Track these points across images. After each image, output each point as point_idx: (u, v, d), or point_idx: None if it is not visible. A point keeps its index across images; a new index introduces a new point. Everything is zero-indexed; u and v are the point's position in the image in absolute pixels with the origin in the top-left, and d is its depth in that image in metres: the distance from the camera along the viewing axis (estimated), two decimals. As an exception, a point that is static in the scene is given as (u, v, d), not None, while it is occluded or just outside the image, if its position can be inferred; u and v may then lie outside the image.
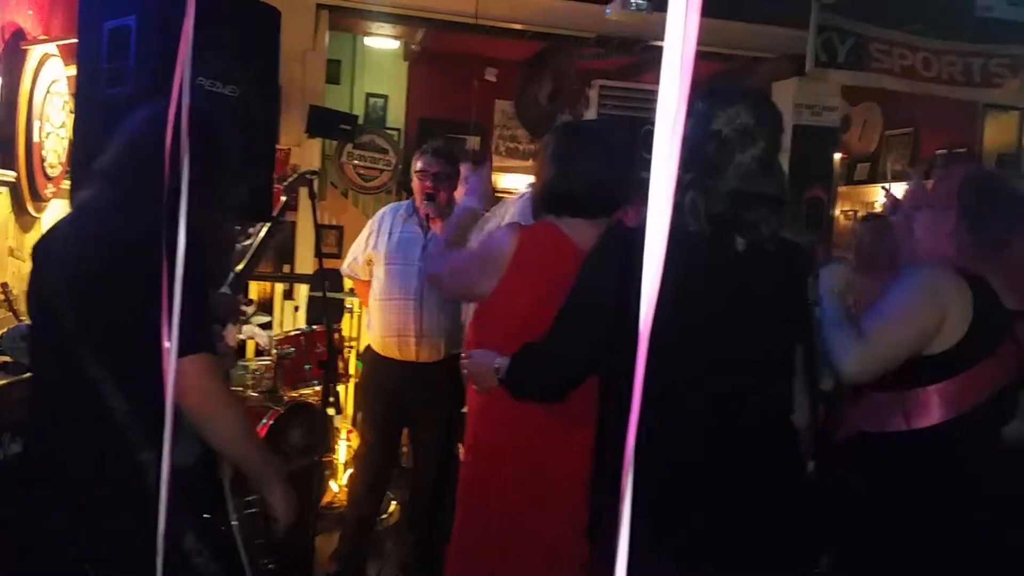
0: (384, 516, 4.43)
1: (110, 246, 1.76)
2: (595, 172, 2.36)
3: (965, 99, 6.08)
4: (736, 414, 1.85)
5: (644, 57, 7.51)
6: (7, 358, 2.19)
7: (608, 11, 5.75)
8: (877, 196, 7.56)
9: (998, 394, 2.11)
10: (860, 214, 7.72)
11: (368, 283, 3.94)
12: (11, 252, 3.56)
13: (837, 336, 2.07)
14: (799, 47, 5.99)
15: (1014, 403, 2.18)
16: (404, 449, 4.48)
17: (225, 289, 3.28)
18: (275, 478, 1.94)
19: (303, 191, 3.51)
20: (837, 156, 7.49)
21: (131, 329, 1.67)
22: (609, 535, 1.71)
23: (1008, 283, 2.11)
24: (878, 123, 7.85)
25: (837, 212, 7.80)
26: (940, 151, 7.11)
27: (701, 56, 5.88)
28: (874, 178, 7.81)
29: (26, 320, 3.05)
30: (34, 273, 1.95)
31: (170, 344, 0.95)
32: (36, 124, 3.62)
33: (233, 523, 2.41)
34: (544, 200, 2.40)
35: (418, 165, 3.82)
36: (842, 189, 7.82)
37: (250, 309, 4.56)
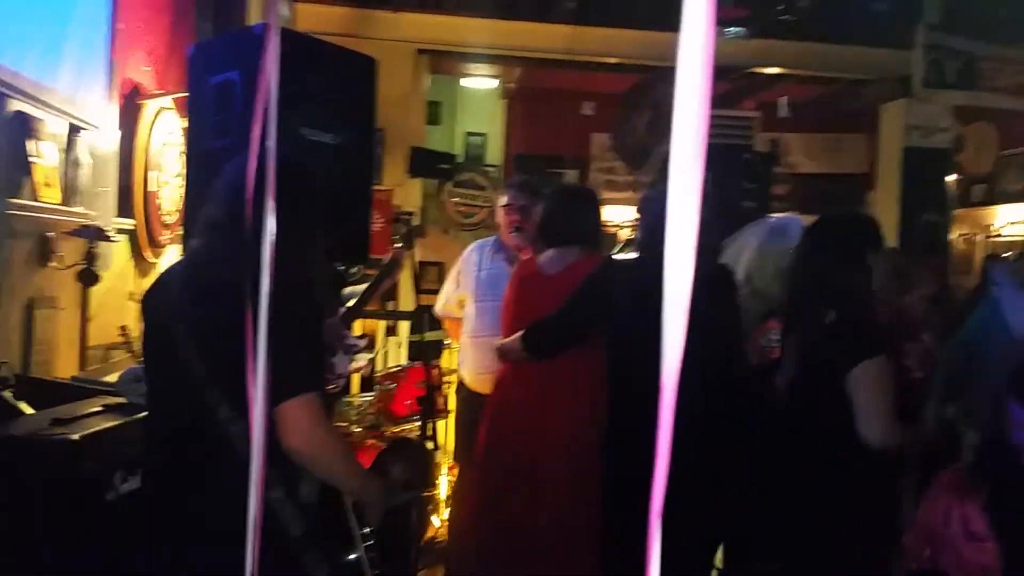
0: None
1: (231, 293, 1.81)
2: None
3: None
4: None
5: (742, 84, 7.41)
6: (122, 399, 2.29)
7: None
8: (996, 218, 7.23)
9: None
10: (978, 237, 7.39)
11: (460, 321, 3.97)
12: (131, 296, 3.74)
13: None
14: (906, 68, 5.81)
15: None
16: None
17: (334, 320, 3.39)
18: (377, 505, 2.03)
19: (403, 231, 3.61)
20: (951, 178, 7.21)
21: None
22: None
23: None
24: (993, 143, 7.51)
25: (954, 236, 7.48)
26: (1062, 170, 6.76)
27: (801, 80, 5.79)
28: (991, 200, 7.46)
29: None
30: (148, 320, 2.04)
31: (256, 388, 0.97)
32: (153, 174, 3.82)
33: (361, 555, 2.45)
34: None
35: (503, 200, 3.85)
36: (958, 212, 7.50)
37: (363, 342, 4.68)
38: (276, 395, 1.74)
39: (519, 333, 2.97)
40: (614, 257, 3.09)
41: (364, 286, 3.77)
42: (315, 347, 1.93)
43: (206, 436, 1.78)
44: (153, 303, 2.01)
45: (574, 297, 2.88)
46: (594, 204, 3.23)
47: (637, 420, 2.54)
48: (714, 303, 2.58)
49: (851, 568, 2.43)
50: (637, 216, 2.87)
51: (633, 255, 3.02)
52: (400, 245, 3.66)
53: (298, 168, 1.96)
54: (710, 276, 2.59)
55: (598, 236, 3.21)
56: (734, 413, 2.61)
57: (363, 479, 2.05)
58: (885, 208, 6.98)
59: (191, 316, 1.83)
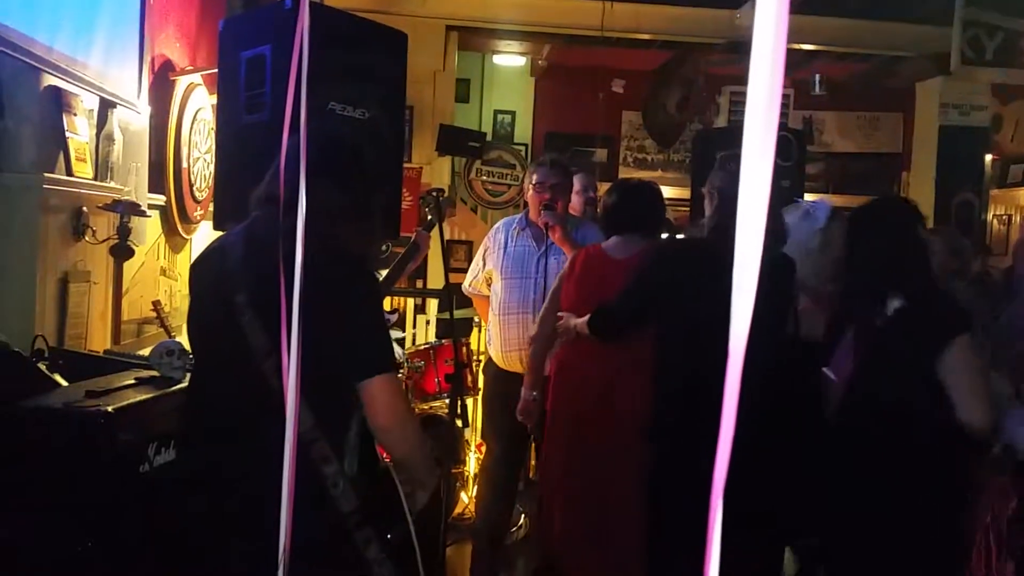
0: (514, 529, 4.45)
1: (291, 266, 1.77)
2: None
3: None
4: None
5: (776, 62, 7.30)
6: (155, 372, 2.31)
7: (739, 14, 5.62)
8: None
9: None
10: (1015, 219, 7.26)
11: (488, 298, 3.97)
12: (163, 272, 3.78)
13: None
14: (943, 45, 5.69)
15: None
16: (533, 462, 4.49)
17: None
18: (432, 486, 2.05)
19: (431, 208, 3.59)
20: (988, 158, 7.08)
21: (317, 347, 1.69)
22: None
23: None
24: (1033, 122, 7.37)
25: (990, 216, 7.35)
26: (1104, 149, 6.61)
27: (838, 57, 5.70)
28: (1030, 180, 7.32)
29: (176, 336, 3.23)
30: (199, 290, 2.02)
31: (290, 361, 0.97)
32: (184, 150, 3.84)
33: (412, 531, 2.45)
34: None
35: (534, 178, 3.83)
36: (994, 192, 7.37)
37: (394, 317, 4.70)
38: (362, 372, 1.80)
39: (586, 317, 3.12)
40: (668, 240, 3.36)
41: (386, 271, 3.76)
42: (387, 326, 1.98)
43: (260, 406, 1.74)
44: (205, 274, 2.00)
45: (634, 282, 3.03)
46: (655, 197, 3.44)
47: (688, 397, 2.53)
48: (772, 285, 2.57)
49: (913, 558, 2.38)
50: (708, 195, 3.01)
51: (684, 236, 3.26)
52: (430, 218, 3.64)
53: (354, 145, 1.96)
54: (772, 260, 2.56)
55: (659, 226, 3.45)
56: (780, 393, 2.56)
57: (431, 459, 2.09)
58: (920, 188, 6.87)
59: (252, 287, 1.81)
